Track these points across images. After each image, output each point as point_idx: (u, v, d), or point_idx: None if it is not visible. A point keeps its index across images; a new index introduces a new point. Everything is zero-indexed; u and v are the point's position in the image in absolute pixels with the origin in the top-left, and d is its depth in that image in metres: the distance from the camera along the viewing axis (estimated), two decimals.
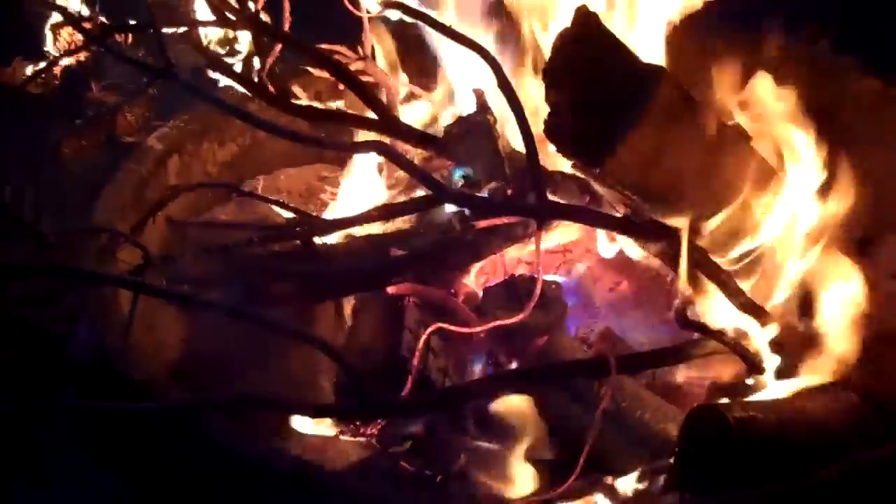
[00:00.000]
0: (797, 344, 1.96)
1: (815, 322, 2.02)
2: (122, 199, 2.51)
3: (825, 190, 2.08)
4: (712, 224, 2.00)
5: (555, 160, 2.20)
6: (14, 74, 2.34)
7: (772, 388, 1.92)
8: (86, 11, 2.38)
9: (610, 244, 2.33)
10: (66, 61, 2.39)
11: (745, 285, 2.05)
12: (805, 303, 2.02)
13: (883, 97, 2.59)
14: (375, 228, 2.35)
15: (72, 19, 2.31)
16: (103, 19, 2.34)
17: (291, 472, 1.89)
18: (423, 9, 2.29)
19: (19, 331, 2.29)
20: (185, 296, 1.86)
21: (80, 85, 2.54)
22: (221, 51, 2.46)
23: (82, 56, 2.36)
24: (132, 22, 2.35)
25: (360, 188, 2.55)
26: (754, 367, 1.88)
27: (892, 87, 2.59)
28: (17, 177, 2.34)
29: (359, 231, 2.34)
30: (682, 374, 2.15)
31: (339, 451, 2.09)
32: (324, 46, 2.49)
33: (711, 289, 1.99)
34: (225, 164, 2.94)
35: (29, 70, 2.39)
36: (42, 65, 2.37)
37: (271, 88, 2.34)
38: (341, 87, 2.48)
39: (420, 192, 2.29)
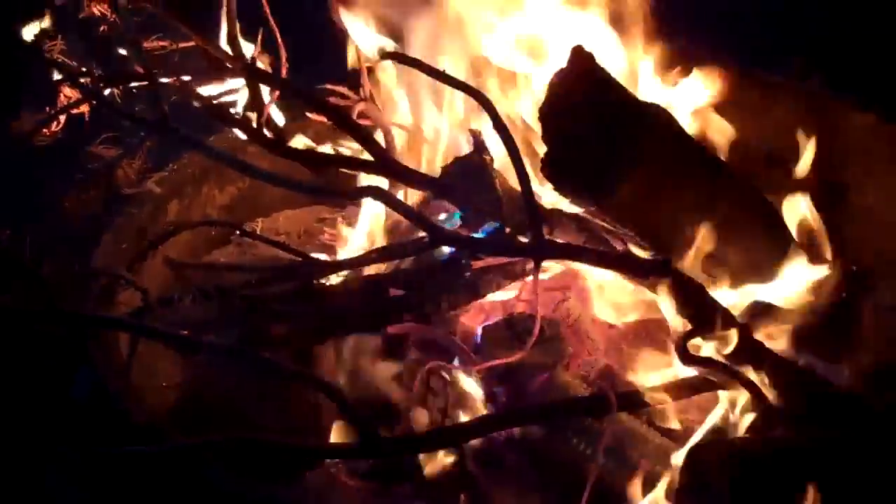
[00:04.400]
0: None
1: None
2: (121, 243, 2.52)
3: None
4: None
5: (552, 199, 2.22)
6: (22, 126, 2.35)
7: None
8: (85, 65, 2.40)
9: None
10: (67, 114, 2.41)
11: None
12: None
13: (876, 132, 2.60)
14: (374, 269, 2.36)
15: (69, 74, 2.33)
16: (100, 73, 2.35)
17: None
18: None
19: (19, 374, 2.28)
20: (186, 338, 1.85)
21: (80, 138, 2.55)
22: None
23: (83, 109, 2.38)
24: (129, 75, 2.37)
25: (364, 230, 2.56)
26: (759, 398, 1.88)
27: (885, 121, 2.60)
28: (17, 224, 2.35)
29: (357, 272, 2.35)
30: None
31: (340, 493, 2.09)
32: (326, 87, 2.52)
33: None
34: (224, 207, 2.95)
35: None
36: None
37: (269, 134, 2.35)
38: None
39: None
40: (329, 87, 2.56)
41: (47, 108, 2.40)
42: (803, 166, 2.33)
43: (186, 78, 2.43)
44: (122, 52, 2.41)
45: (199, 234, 2.82)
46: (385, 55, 2.34)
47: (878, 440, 1.82)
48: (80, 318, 1.94)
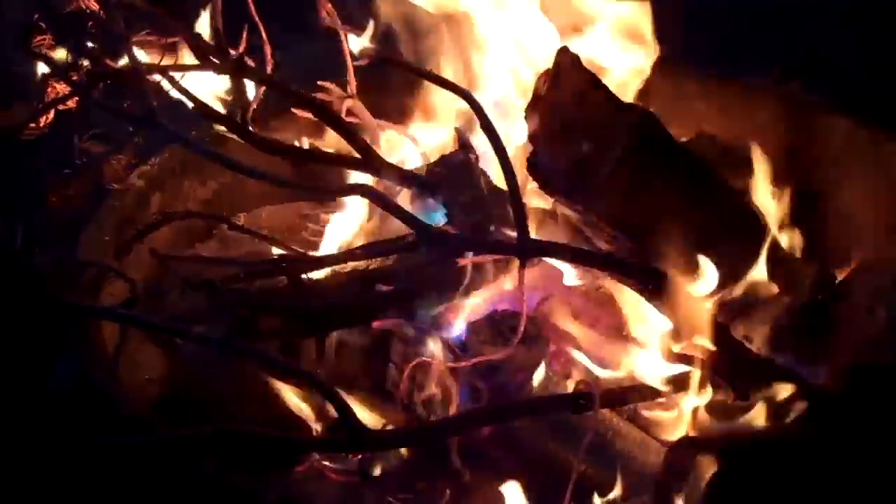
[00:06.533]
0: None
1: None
2: (104, 236, 2.53)
3: None
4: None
5: (537, 198, 2.25)
6: (13, 118, 2.36)
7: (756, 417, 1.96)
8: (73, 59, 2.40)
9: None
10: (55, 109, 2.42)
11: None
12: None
13: (852, 135, 2.64)
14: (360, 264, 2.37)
15: (57, 69, 2.33)
16: (88, 67, 2.35)
17: None
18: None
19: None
20: (176, 329, 1.87)
21: (68, 133, 2.57)
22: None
23: (71, 103, 2.39)
24: (117, 69, 2.37)
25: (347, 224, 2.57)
26: (742, 396, 1.91)
27: (861, 124, 2.64)
28: (8, 215, 2.36)
29: (343, 267, 2.36)
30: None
31: (324, 485, 2.10)
32: (320, 83, 2.53)
33: None
34: (205, 201, 2.95)
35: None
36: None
37: (254, 129, 2.36)
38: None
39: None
40: (317, 83, 2.57)
41: (35, 103, 2.41)
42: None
43: (173, 73, 2.44)
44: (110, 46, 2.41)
45: (180, 229, 2.81)
46: (372, 55, 2.35)
47: (856, 438, 1.86)
48: (74, 308, 1.95)
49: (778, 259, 2.12)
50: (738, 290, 2.09)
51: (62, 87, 2.37)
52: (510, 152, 2.11)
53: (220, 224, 2.79)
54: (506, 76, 2.46)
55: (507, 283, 2.29)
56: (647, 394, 2.04)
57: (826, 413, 1.96)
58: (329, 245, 2.59)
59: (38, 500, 2.12)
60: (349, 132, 2.33)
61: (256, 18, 2.42)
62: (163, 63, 2.41)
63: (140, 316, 1.99)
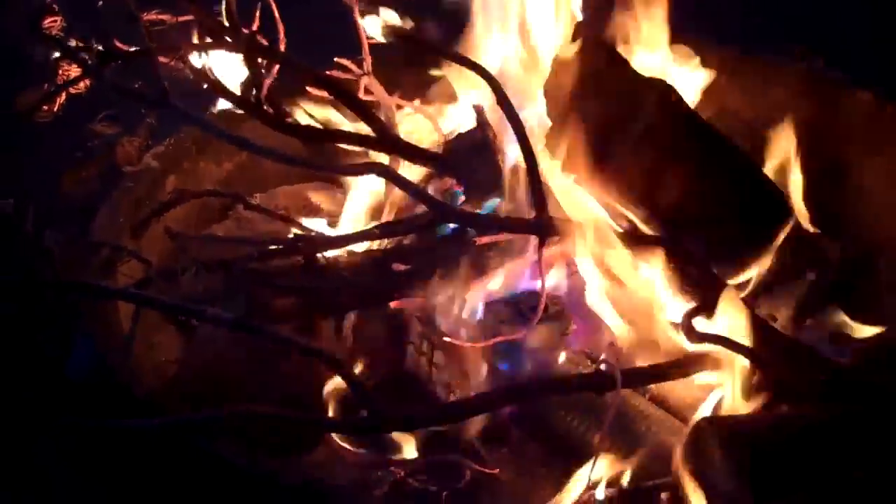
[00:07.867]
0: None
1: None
2: (119, 216, 2.51)
3: None
4: None
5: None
6: (27, 101, 2.35)
7: None
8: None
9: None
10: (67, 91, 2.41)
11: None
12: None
13: (874, 110, 2.61)
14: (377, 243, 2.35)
15: (68, 52, 2.31)
16: (100, 48, 2.34)
17: (297, 488, 1.90)
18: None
19: (14, 351, 2.27)
20: (193, 310, 1.85)
21: (81, 116, 2.55)
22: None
23: (83, 86, 2.37)
24: (128, 50, 2.35)
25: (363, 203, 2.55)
26: (765, 374, 1.88)
27: (884, 100, 2.62)
28: (20, 198, 2.35)
29: (360, 247, 2.34)
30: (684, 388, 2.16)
31: (343, 466, 2.09)
32: (337, 60, 2.51)
33: None
34: (221, 181, 2.93)
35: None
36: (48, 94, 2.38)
37: (268, 109, 2.33)
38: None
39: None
40: (338, 59, 2.54)
41: (45, 86, 2.40)
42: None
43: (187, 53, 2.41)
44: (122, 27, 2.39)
45: (196, 209, 2.80)
46: (389, 32, 2.32)
47: (884, 417, 1.83)
48: (87, 288, 1.93)
49: (801, 237, 2.10)
50: (760, 268, 2.07)
51: (74, 70, 2.34)
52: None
53: (235, 204, 2.76)
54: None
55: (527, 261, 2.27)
56: (670, 373, 2.01)
57: (851, 393, 1.93)
58: (345, 224, 2.57)
59: (55, 483, 2.11)
60: (365, 110, 2.30)
61: None
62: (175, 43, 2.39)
63: (155, 296, 1.96)
